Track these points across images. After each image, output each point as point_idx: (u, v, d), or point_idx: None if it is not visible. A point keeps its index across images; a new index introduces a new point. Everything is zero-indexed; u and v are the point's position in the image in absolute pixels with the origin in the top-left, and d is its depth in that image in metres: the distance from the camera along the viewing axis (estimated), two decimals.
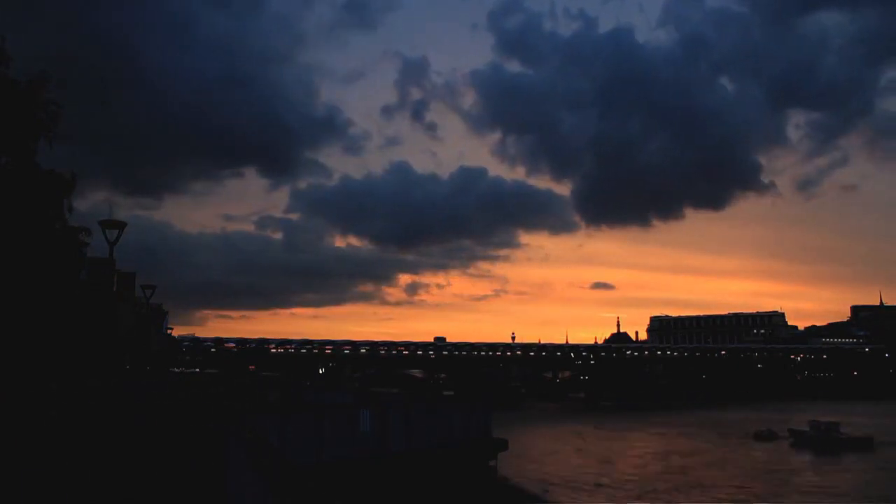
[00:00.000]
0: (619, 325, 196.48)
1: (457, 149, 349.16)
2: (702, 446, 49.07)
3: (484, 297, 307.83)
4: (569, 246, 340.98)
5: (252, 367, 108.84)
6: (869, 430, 52.08)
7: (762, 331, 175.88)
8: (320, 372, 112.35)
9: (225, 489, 8.73)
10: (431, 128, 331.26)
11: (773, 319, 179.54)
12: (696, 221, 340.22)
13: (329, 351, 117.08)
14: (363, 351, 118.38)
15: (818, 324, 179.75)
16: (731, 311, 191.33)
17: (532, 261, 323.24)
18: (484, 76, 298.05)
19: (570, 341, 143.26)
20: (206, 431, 11.56)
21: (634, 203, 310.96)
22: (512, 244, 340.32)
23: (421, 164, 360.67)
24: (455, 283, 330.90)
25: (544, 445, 48.22)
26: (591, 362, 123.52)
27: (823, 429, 49.22)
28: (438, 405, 23.70)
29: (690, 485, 33.97)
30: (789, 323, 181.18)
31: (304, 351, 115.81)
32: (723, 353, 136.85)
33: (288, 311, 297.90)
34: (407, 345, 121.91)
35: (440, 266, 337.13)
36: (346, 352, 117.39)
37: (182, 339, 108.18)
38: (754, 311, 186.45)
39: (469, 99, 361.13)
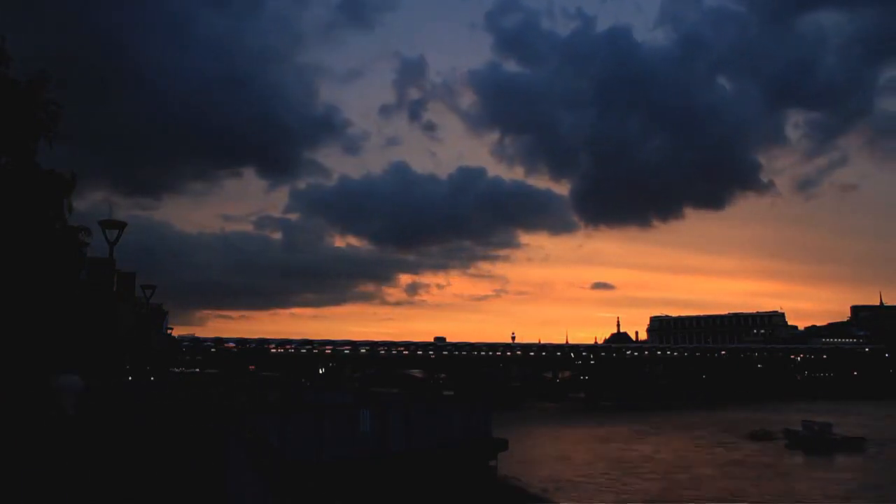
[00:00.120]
0: (619, 325, 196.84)
1: (456, 149, 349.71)
2: (699, 446, 49.11)
3: (484, 298, 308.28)
4: (569, 246, 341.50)
5: (252, 367, 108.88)
6: (862, 431, 52.34)
7: (762, 331, 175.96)
8: (320, 372, 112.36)
9: (225, 489, 8.73)
10: (430, 128, 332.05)
11: (773, 319, 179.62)
12: (695, 221, 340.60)
13: (329, 351, 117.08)
14: (363, 351, 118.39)
15: (818, 324, 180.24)
16: (731, 311, 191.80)
17: (532, 261, 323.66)
18: (482, 76, 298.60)
19: (570, 341, 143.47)
20: (206, 431, 11.55)
21: (634, 203, 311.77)
22: (512, 244, 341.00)
23: (420, 164, 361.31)
24: (455, 284, 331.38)
25: (544, 445, 48.23)
26: (591, 362, 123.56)
27: (816, 429, 49.40)
28: (438, 405, 23.72)
29: (686, 484, 33.98)
30: (789, 323, 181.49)
31: (304, 351, 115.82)
32: (723, 353, 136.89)
33: (288, 312, 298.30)
34: (407, 345, 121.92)
35: (440, 266, 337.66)
36: (346, 352, 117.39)
37: (182, 339, 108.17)
38: (754, 311, 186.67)
39: (467, 99, 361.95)
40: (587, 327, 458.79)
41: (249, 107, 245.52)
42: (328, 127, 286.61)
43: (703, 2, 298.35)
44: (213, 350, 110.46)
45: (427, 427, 19.90)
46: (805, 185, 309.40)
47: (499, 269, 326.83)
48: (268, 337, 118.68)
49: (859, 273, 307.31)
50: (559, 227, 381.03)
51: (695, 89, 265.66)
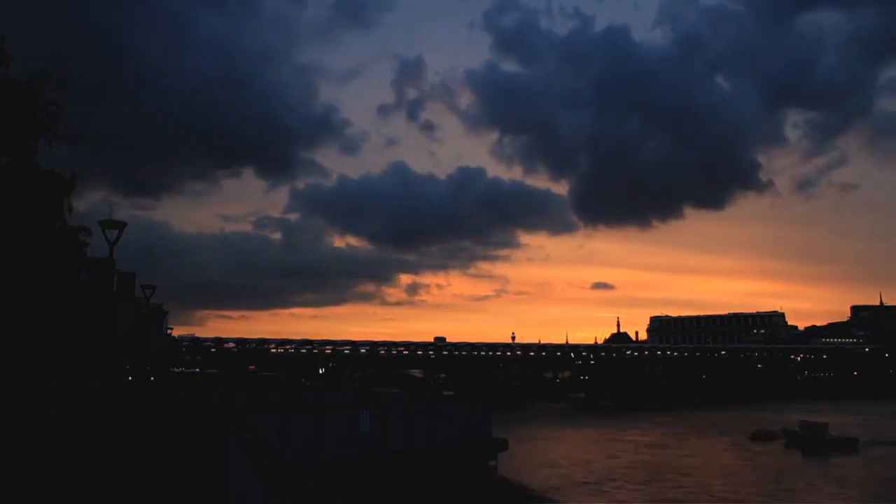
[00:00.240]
0: (619, 325, 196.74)
1: (455, 149, 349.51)
2: (700, 446, 49.13)
3: (484, 298, 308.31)
4: (569, 246, 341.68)
5: (252, 367, 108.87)
6: (857, 431, 52.60)
7: (762, 331, 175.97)
8: (320, 372, 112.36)
9: (225, 489, 8.73)
10: (429, 128, 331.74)
11: (773, 319, 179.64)
12: (695, 221, 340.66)
13: (329, 351, 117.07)
14: (363, 351, 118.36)
15: (818, 324, 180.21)
16: (731, 311, 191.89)
17: (532, 261, 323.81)
18: (481, 75, 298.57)
19: (570, 341, 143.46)
20: (206, 431, 11.56)
21: (634, 203, 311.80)
22: (512, 244, 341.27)
23: (419, 164, 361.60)
24: (455, 284, 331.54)
25: (544, 445, 48.23)
26: (591, 362, 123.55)
27: (812, 430, 49.77)
28: (438, 405, 23.69)
29: (687, 485, 33.99)
30: (789, 323, 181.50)
31: (304, 351, 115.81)
32: (723, 353, 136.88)
33: (287, 312, 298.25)
34: (407, 345, 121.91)
35: (440, 266, 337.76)
36: (346, 352, 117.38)
37: (182, 339, 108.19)
38: (754, 311, 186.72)
39: (466, 98, 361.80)
40: (587, 327, 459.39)
41: (248, 107, 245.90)
42: (327, 127, 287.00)
43: (701, 1, 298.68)
44: (213, 350, 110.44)
45: (427, 427, 19.89)
46: (805, 185, 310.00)
47: (499, 269, 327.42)
48: (268, 337, 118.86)
49: (859, 273, 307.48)
50: (559, 227, 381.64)
51: (694, 89, 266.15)
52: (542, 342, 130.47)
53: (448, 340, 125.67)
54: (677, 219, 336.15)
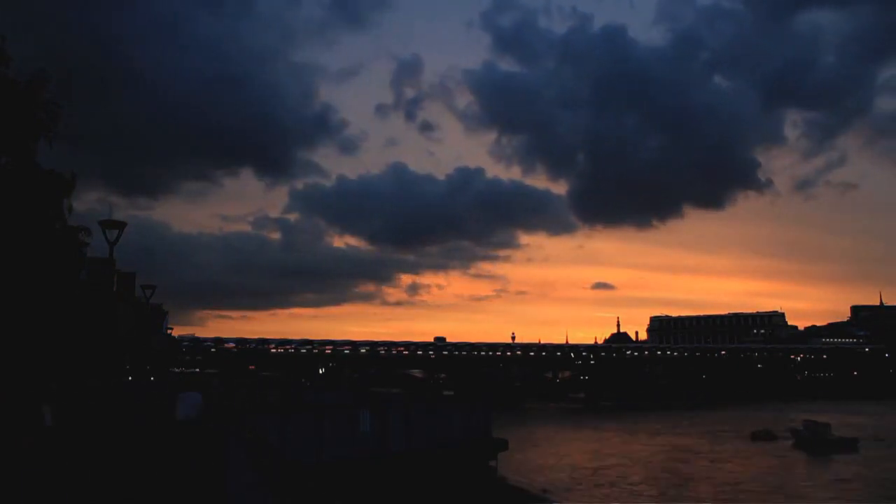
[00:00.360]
0: (619, 325, 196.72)
1: (454, 148, 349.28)
2: (700, 446, 49.07)
3: (484, 298, 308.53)
4: (568, 246, 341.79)
5: (252, 367, 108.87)
6: (859, 431, 52.58)
7: (762, 331, 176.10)
8: (320, 372, 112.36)
9: (225, 489, 8.73)
10: (428, 128, 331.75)
11: (773, 319, 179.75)
12: (695, 221, 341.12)
13: (329, 351, 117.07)
14: (363, 351, 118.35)
15: (818, 324, 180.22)
16: (731, 311, 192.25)
17: (532, 261, 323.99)
18: (479, 75, 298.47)
19: (570, 341, 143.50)
20: (206, 431, 11.55)
21: (633, 203, 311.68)
22: (511, 244, 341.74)
23: (418, 164, 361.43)
24: (455, 284, 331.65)
25: (544, 445, 48.22)
26: (591, 362, 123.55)
27: (814, 430, 49.87)
28: (438, 405, 23.71)
29: (687, 485, 33.99)
30: (789, 323, 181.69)
31: (304, 351, 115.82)
32: (723, 353, 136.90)
33: (287, 312, 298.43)
34: (407, 345, 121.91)
35: (440, 266, 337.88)
36: (346, 352, 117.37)
37: (182, 339, 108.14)
38: (754, 311, 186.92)
39: (464, 98, 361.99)
40: (587, 327, 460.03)
41: (247, 107, 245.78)
42: (326, 127, 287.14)
43: (699, 0, 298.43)
44: (213, 350, 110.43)
45: (427, 427, 19.90)
46: (804, 185, 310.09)
47: (499, 269, 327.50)
48: (268, 337, 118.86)
49: (859, 273, 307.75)
50: (558, 227, 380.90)
51: (692, 89, 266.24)
52: (542, 342, 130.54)
53: (448, 340, 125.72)
54: (677, 218, 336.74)
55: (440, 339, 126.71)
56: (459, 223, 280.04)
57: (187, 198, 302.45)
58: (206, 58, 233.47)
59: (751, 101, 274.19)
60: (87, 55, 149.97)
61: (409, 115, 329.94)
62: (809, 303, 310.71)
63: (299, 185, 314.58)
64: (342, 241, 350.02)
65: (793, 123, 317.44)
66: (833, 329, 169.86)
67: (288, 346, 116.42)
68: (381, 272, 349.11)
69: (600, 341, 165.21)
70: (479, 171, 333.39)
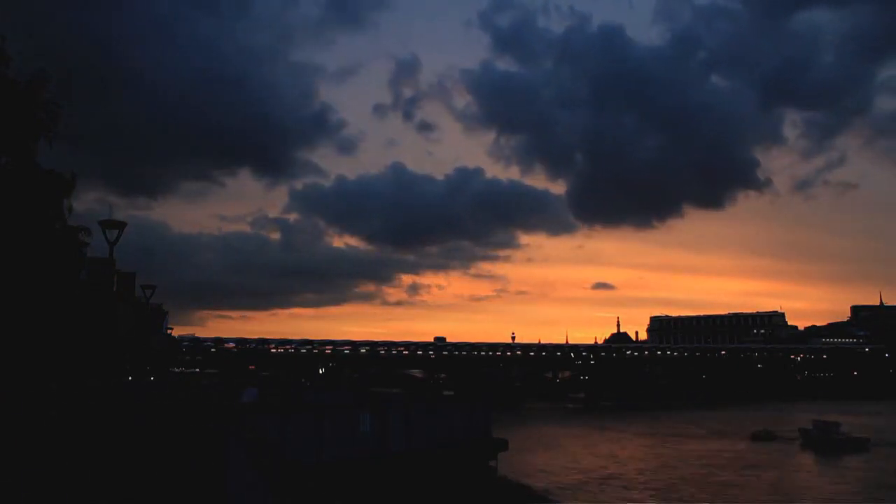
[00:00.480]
0: (619, 325, 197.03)
1: (452, 148, 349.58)
2: (700, 446, 49.08)
3: (484, 298, 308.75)
4: (568, 246, 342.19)
5: (252, 367, 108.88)
6: (866, 431, 52.36)
7: (762, 331, 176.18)
8: (320, 372, 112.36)
9: (225, 489, 8.73)
10: (426, 128, 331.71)
11: (773, 319, 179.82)
12: (695, 220, 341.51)
13: (329, 351, 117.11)
14: (363, 351, 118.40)
15: (818, 324, 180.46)
16: (731, 311, 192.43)
17: (532, 261, 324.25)
18: (477, 75, 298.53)
19: (570, 341, 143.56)
20: (206, 431, 11.55)
21: (633, 202, 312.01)
22: (511, 244, 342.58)
23: (417, 164, 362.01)
24: (455, 284, 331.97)
25: (544, 445, 48.22)
26: (591, 362, 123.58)
27: (824, 429, 49.58)
28: (438, 405, 23.66)
29: (688, 485, 33.98)
30: (789, 323, 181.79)
31: (304, 351, 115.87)
32: (723, 353, 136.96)
33: (287, 312, 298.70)
34: (407, 345, 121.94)
35: (440, 266, 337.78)
36: (346, 352, 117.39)
37: (182, 339, 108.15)
38: (754, 311, 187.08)
39: (463, 98, 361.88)
40: (587, 327, 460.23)
41: (245, 107, 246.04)
42: (324, 127, 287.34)
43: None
44: (213, 350, 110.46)
45: (427, 427, 19.87)
46: (804, 185, 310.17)
47: (499, 269, 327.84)
48: (268, 337, 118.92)
49: (859, 273, 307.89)
50: (558, 227, 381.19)
51: (690, 88, 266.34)
52: (542, 342, 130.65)
53: (448, 340, 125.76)
54: (676, 218, 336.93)
55: (440, 339, 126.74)
56: (459, 223, 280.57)
57: (186, 198, 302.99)
58: (205, 58, 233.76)
59: (749, 101, 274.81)
60: (87, 55, 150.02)
61: (408, 115, 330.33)
62: (809, 303, 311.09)
63: (298, 185, 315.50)
64: (342, 241, 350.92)
65: (792, 123, 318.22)
66: (833, 329, 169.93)
67: (288, 346, 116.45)
68: (381, 272, 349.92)
69: (600, 341, 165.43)
70: (478, 171, 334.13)
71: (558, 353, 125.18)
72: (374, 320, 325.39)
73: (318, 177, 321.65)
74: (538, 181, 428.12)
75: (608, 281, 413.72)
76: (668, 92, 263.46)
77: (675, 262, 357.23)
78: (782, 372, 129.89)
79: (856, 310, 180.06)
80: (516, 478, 29.35)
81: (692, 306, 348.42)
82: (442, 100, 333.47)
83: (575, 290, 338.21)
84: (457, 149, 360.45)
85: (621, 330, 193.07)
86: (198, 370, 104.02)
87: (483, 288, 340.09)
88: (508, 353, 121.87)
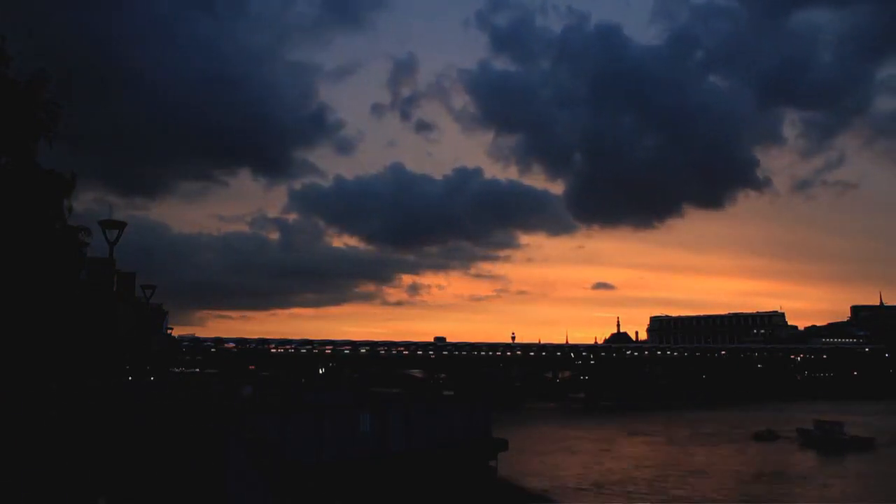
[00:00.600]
0: (619, 325, 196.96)
1: (451, 149, 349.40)
2: (701, 447, 49.06)
3: (484, 298, 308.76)
4: (568, 246, 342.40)
5: (252, 367, 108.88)
6: (868, 431, 52.24)
7: (762, 331, 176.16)
8: (320, 372, 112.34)
9: (225, 489, 8.73)
10: (425, 127, 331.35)
11: (773, 319, 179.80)
12: (695, 220, 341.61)
13: (329, 351, 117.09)
14: (363, 351, 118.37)
15: (818, 324, 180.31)
16: (731, 311, 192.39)
17: (532, 261, 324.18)
18: (475, 74, 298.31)
19: (570, 341, 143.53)
20: (206, 431, 11.55)
21: (632, 202, 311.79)
22: (511, 244, 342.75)
23: (416, 164, 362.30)
24: (455, 284, 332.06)
25: (544, 445, 48.20)
26: (591, 362, 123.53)
27: (827, 429, 49.39)
28: (438, 405, 23.67)
29: (689, 485, 33.96)
30: (789, 323, 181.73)
31: (304, 351, 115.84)
32: (723, 353, 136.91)
33: (287, 312, 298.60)
34: (407, 345, 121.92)
35: (440, 266, 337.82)
36: (346, 352, 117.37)
37: (182, 339, 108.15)
38: (754, 311, 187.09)
39: (461, 98, 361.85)
40: (587, 327, 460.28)
41: (244, 107, 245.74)
42: (322, 127, 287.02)
43: None
44: (213, 350, 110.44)
45: (427, 427, 19.88)
46: (803, 185, 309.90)
47: (499, 269, 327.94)
48: (268, 337, 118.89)
49: (859, 273, 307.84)
50: (557, 227, 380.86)
51: (688, 87, 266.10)
52: (542, 342, 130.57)
53: (448, 340, 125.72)
54: (676, 218, 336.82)
55: (440, 339, 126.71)
56: (458, 223, 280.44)
57: (184, 198, 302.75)
58: (204, 58, 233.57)
59: (748, 101, 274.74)
60: (87, 55, 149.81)
61: (406, 115, 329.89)
62: (809, 303, 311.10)
63: (297, 185, 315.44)
64: (341, 241, 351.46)
65: (791, 123, 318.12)
66: (833, 329, 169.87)
67: (288, 346, 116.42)
68: (381, 272, 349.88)
69: (600, 341, 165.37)
70: (477, 171, 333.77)
71: (558, 353, 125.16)
72: (374, 320, 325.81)
73: (316, 177, 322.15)
74: (537, 181, 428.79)
75: (608, 281, 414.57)
76: (666, 91, 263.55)
77: (674, 262, 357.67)
78: (782, 372, 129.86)
79: (856, 310, 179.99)
80: (516, 478, 29.36)
81: (692, 306, 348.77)
82: (440, 99, 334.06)
83: (575, 290, 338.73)
84: (456, 149, 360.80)
85: (621, 330, 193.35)
86: (198, 370, 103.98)
87: (483, 288, 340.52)
88: (508, 353, 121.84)
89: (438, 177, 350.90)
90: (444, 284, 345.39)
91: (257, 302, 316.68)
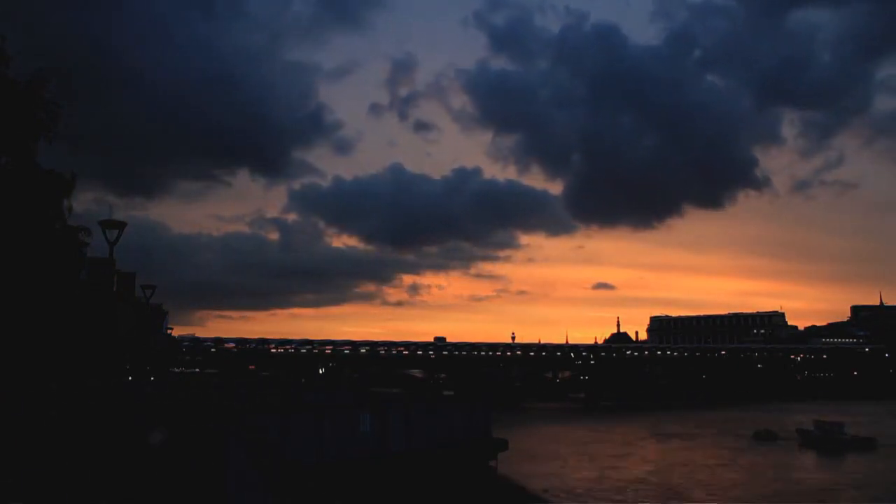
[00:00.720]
0: (619, 325, 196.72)
1: (450, 148, 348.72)
2: (701, 447, 49.08)
3: (484, 298, 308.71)
4: (568, 246, 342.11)
5: (252, 367, 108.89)
6: (869, 431, 52.18)
7: (762, 331, 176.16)
8: (320, 372, 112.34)
9: (225, 489, 8.73)
10: (424, 127, 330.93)
11: (773, 319, 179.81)
12: (695, 220, 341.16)
13: (329, 351, 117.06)
14: (363, 351, 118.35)
15: (818, 324, 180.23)
16: (731, 311, 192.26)
17: (532, 261, 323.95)
18: (473, 74, 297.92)
19: (570, 341, 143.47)
20: (206, 431, 11.55)
21: (632, 202, 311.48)
22: (511, 245, 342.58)
23: (414, 164, 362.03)
24: (455, 284, 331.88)
25: (544, 445, 48.22)
26: (591, 362, 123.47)
27: (828, 429, 49.34)
28: (438, 405, 23.67)
29: (689, 485, 33.98)
30: (789, 323, 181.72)
31: (304, 351, 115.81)
32: (723, 353, 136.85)
33: (287, 312, 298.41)
34: (407, 345, 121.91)
35: (440, 266, 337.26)
36: (346, 352, 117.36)
37: (182, 339, 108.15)
38: (754, 311, 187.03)
39: (460, 98, 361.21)
40: (587, 327, 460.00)
41: (243, 107, 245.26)
42: (321, 127, 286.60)
43: None
44: (213, 350, 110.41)
45: (427, 427, 19.88)
46: (803, 185, 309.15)
47: (499, 269, 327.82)
48: (268, 337, 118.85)
49: (859, 273, 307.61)
50: (557, 227, 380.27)
51: (687, 87, 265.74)
52: (542, 342, 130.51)
53: (448, 340, 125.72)
54: (676, 218, 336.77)
55: (440, 339, 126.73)
56: (458, 223, 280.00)
57: (183, 198, 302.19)
58: (203, 58, 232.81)
59: (746, 100, 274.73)
60: (87, 55, 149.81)
61: (404, 115, 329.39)
62: (809, 303, 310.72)
63: (296, 185, 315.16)
64: (340, 241, 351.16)
65: (790, 123, 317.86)
66: (833, 329, 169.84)
67: (288, 346, 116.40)
68: (381, 272, 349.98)
69: (600, 341, 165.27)
70: (476, 171, 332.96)
71: (558, 353, 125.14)
72: (374, 320, 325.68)
73: (315, 177, 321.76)
74: (536, 181, 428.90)
75: (608, 281, 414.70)
76: (665, 91, 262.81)
77: (674, 262, 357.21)
78: (782, 372, 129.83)
79: (856, 310, 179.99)
80: (516, 478, 29.36)
81: (692, 306, 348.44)
82: (439, 99, 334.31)
83: (575, 290, 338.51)
84: (455, 149, 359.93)
85: (621, 330, 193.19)
86: (198, 370, 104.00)
87: (483, 288, 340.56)
88: (508, 353, 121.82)
89: (437, 177, 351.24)
90: (444, 284, 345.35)
91: (257, 302, 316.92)
